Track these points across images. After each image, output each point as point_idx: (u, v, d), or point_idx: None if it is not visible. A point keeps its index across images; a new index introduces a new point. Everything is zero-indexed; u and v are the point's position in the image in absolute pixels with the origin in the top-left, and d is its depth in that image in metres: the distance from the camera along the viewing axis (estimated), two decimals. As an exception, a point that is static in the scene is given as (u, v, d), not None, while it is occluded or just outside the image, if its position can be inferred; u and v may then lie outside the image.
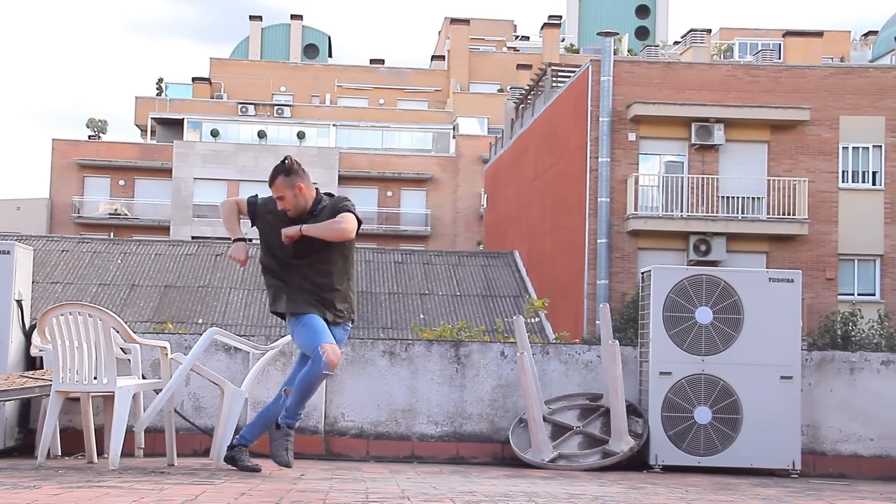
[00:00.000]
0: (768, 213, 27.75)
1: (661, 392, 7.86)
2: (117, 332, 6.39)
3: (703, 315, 7.88)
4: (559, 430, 8.01)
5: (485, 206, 42.52)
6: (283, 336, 7.59)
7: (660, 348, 7.88)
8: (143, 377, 7.45)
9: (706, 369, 7.85)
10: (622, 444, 7.72)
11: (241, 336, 7.31)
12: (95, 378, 6.30)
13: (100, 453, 6.87)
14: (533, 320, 29.05)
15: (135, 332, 6.74)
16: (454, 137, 53.43)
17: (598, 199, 27.53)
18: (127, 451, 7.39)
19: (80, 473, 5.80)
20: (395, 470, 6.96)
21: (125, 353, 7.62)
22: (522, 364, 7.63)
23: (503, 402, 8.25)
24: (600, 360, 8.17)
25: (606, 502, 4.94)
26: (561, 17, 68.12)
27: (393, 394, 8.24)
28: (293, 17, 70.49)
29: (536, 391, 7.89)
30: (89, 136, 56.44)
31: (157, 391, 6.77)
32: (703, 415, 7.83)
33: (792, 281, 7.96)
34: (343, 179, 50.80)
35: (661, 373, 7.88)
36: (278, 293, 6.16)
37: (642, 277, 8.24)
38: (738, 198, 28.05)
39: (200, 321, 28.70)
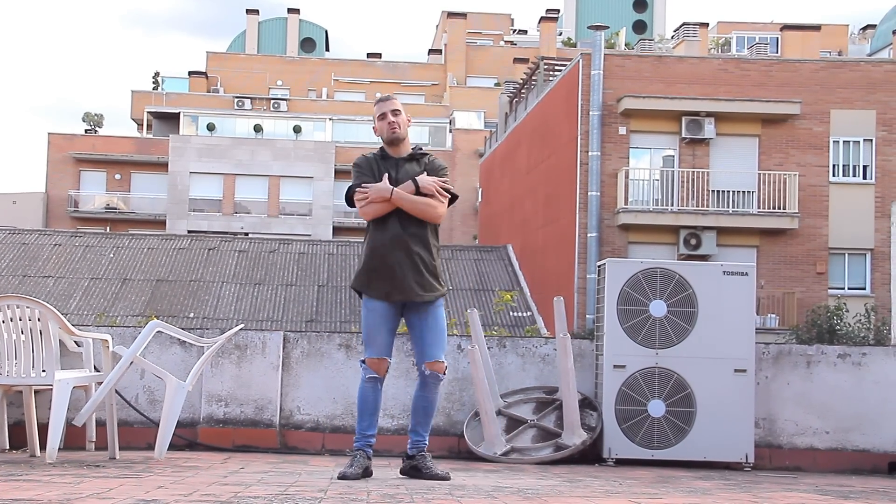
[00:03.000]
0: (759, 207, 27.72)
1: (614, 385, 7.83)
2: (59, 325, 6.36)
3: (658, 308, 7.84)
4: (514, 424, 7.98)
5: (480, 200, 42.50)
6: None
7: (614, 341, 7.85)
8: (97, 370, 7.43)
9: (660, 362, 7.82)
10: (574, 437, 7.70)
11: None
12: (35, 371, 6.27)
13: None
14: (525, 314, 29.06)
15: (76, 326, 6.72)
16: (451, 132, 53.39)
17: (589, 193, 27.50)
18: (79, 445, 7.40)
19: (12, 467, 5.77)
20: (343, 463, 6.89)
21: (78, 345, 7.61)
22: (473, 357, 7.60)
23: (459, 395, 8.22)
24: (556, 353, 8.14)
25: (528, 495, 4.91)
26: (558, 11, 68.03)
27: (349, 387, 8.20)
28: (290, 10, 70.46)
29: (490, 385, 7.86)
30: (86, 130, 56.53)
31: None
32: (656, 408, 7.80)
33: (746, 274, 7.93)
34: (339, 173, 50.76)
35: (615, 366, 7.85)
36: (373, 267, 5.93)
37: (598, 271, 8.20)
38: (728, 192, 28.02)
39: (192, 315, 28.71)
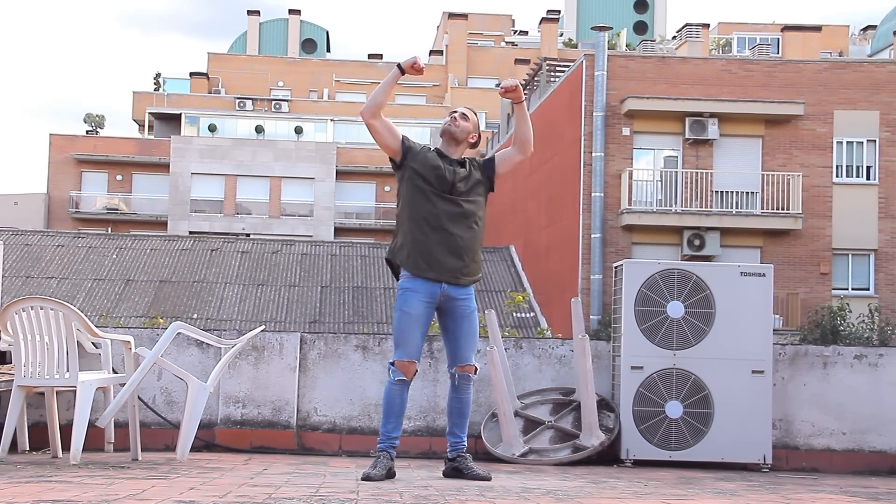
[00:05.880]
0: (762, 208, 27.76)
1: (632, 386, 7.84)
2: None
3: (675, 309, 7.85)
4: (531, 425, 7.99)
5: (481, 200, 42.50)
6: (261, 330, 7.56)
7: (631, 342, 7.86)
8: (115, 371, 7.43)
9: (678, 363, 7.83)
10: (593, 438, 7.71)
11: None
12: (58, 372, 6.28)
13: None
14: (528, 315, 29.05)
15: (104, 328, 6.73)
16: (452, 132, 53.32)
17: (592, 194, 27.53)
18: (97, 446, 7.40)
19: (38, 468, 5.78)
20: (362, 465, 6.90)
21: (97, 347, 7.61)
22: (492, 358, 7.61)
23: (476, 396, 8.19)
24: (574, 354, 8.15)
25: (559, 496, 4.92)
26: (559, 11, 68.06)
27: (366, 388, 8.21)
28: (291, 11, 70.48)
29: (508, 386, 7.87)
30: (87, 131, 56.53)
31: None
32: (674, 409, 7.80)
33: (763, 275, 7.93)
34: (341, 174, 50.79)
35: (632, 367, 7.86)
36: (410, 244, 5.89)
37: (615, 272, 8.22)
38: (732, 192, 28.06)
39: (195, 316, 28.68)
